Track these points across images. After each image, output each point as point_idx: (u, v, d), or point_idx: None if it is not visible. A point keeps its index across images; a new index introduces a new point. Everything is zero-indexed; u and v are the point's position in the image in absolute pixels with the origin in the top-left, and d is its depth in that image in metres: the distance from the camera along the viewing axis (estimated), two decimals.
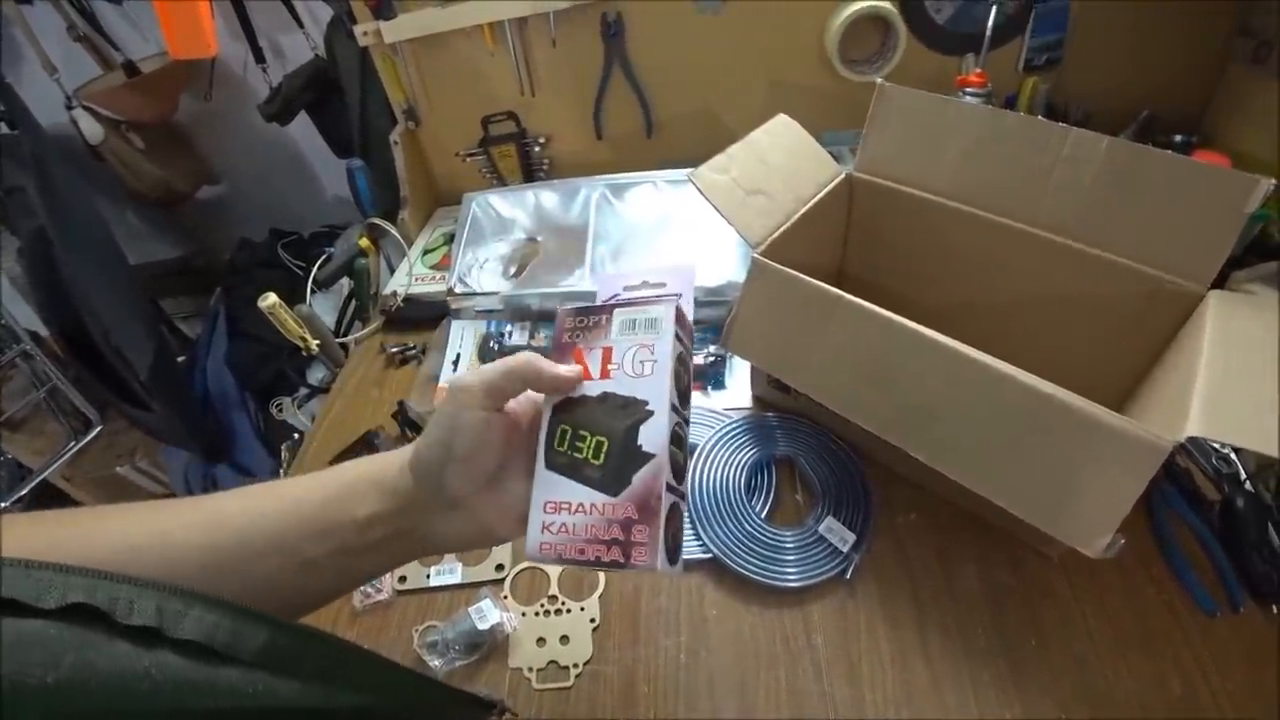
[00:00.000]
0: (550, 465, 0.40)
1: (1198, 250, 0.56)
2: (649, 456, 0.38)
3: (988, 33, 0.98)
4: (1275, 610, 0.57)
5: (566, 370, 0.40)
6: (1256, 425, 0.44)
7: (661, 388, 0.39)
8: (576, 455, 0.39)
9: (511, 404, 0.40)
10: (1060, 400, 0.47)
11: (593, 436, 0.39)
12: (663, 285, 0.45)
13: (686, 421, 0.42)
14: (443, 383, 0.91)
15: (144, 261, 1.80)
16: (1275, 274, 0.77)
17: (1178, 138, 0.99)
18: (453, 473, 0.37)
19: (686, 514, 0.63)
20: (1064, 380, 0.48)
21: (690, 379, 0.43)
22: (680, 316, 0.41)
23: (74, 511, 0.35)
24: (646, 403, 0.39)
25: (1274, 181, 0.53)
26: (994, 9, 0.97)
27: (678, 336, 0.40)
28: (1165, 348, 0.60)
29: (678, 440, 0.39)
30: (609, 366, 0.41)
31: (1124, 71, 1.06)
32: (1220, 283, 0.57)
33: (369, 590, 0.68)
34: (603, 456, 0.38)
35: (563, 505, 0.39)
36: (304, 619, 0.35)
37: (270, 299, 0.92)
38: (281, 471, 0.92)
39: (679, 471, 0.39)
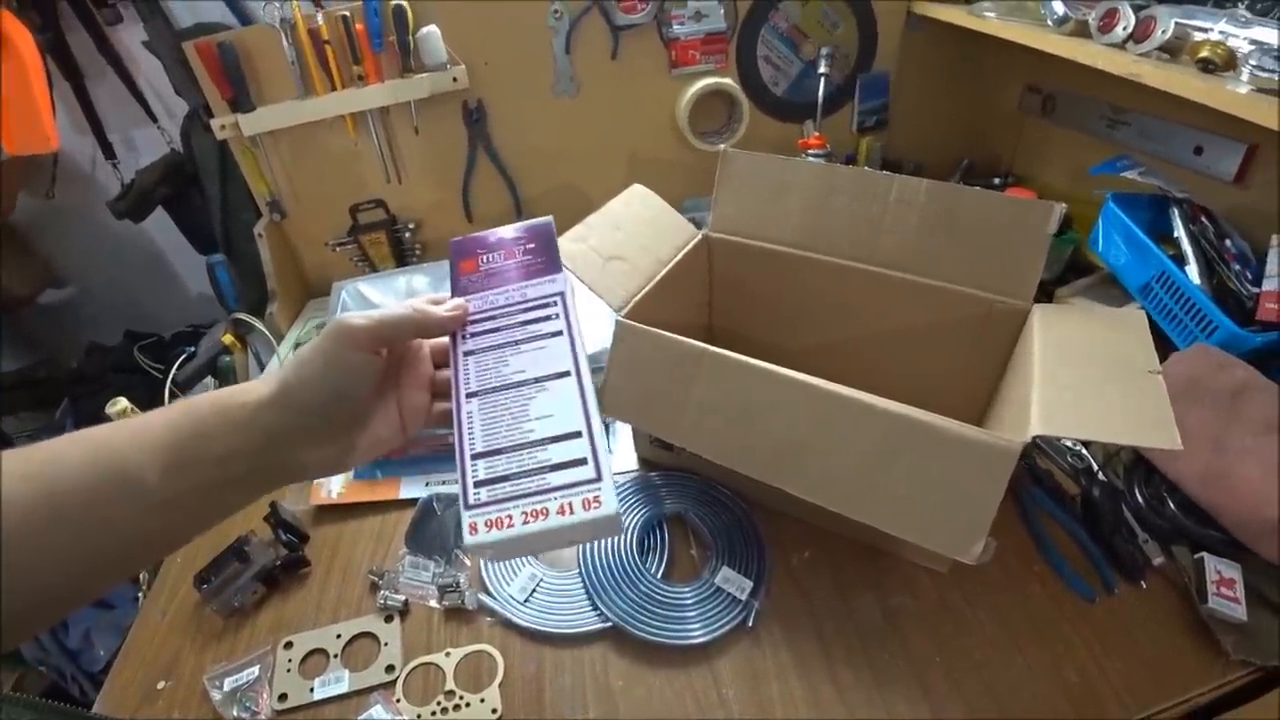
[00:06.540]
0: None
1: (1016, 271, 0.63)
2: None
3: (820, 101, 1.09)
4: (1144, 586, 0.62)
5: (448, 311, 0.42)
6: (1084, 417, 0.49)
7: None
8: None
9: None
10: (916, 420, 0.50)
11: None
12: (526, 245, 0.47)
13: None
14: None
15: None
16: (1090, 286, 0.87)
17: (995, 180, 1.12)
18: (332, 410, 0.38)
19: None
20: (925, 404, 0.51)
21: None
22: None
23: None
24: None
25: (1064, 206, 0.61)
26: (822, 80, 1.08)
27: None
28: (1007, 361, 0.65)
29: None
30: None
31: (943, 128, 1.20)
32: (1049, 299, 0.63)
33: (243, 715, 0.61)
34: None
35: None
36: None
37: (120, 404, 0.84)
38: (141, 592, 0.82)
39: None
